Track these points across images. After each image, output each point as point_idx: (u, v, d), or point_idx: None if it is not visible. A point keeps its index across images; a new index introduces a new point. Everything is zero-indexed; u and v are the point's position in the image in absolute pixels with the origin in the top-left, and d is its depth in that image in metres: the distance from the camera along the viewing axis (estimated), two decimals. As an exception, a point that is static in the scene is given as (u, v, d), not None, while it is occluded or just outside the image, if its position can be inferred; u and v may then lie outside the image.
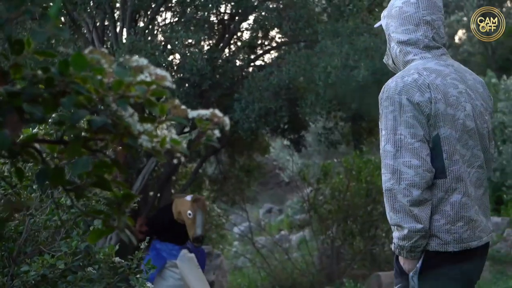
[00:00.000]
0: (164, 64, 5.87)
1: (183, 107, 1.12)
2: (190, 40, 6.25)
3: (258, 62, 7.55)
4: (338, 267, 8.94)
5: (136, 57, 1.06)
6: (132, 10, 6.55)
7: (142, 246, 2.84)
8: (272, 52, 7.75)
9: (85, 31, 6.78)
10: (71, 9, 6.30)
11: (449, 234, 2.38)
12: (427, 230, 2.34)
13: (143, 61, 1.06)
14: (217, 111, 1.16)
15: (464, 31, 19.64)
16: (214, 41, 7.19)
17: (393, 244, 2.44)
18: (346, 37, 6.05)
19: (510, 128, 11.41)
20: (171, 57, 6.33)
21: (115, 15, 6.79)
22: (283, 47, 7.53)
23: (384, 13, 2.70)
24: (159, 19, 7.13)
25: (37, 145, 1.11)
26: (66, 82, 1.02)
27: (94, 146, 1.11)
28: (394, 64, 2.67)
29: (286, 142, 8.82)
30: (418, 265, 2.40)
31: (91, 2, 6.20)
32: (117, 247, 2.73)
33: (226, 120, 1.17)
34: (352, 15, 6.21)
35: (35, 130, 1.84)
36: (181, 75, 6.23)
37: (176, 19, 6.76)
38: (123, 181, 1.19)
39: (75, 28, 6.57)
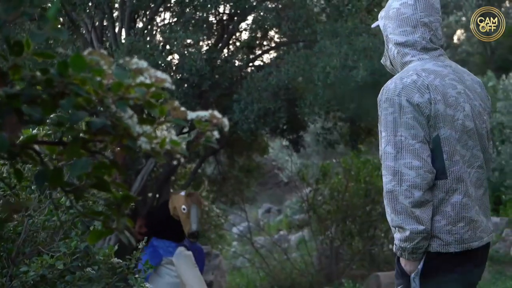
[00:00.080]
0: (163, 65, 5.87)
1: (183, 108, 1.12)
2: (189, 40, 6.25)
3: (257, 62, 7.55)
4: (337, 267, 8.94)
5: (135, 59, 1.06)
6: (131, 10, 6.55)
7: (140, 246, 2.83)
8: (271, 52, 7.75)
9: (84, 32, 6.78)
10: (70, 9, 6.30)
11: (450, 234, 2.38)
12: (428, 231, 2.35)
13: (143, 64, 1.06)
14: (216, 112, 1.16)
15: (463, 31, 19.65)
16: (212, 41, 7.19)
17: (394, 245, 2.44)
18: (345, 37, 6.05)
19: (508, 130, 11.41)
20: (169, 58, 6.32)
21: (114, 15, 6.79)
22: (282, 47, 7.52)
23: (382, 13, 2.69)
24: (158, 19, 7.13)
25: (36, 147, 1.10)
26: (65, 84, 1.02)
27: (93, 148, 1.11)
28: (392, 65, 2.67)
29: (285, 142, 8.81)
30: (420, 266, 2.40)
31: (90, 2, 6.19)
32: (116, 247, 2.73)
33: (225, 121, 1.17)
34: (351, 15, 6.21)
35: (35, 131, 1.84)
36: (180, 75, 6.23)
37: (175, 19, 6.76)
38: (122, 182, 1.19)
39: (74, 28, 6.57)
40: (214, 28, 7.32)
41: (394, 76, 2.51)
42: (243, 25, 7.37)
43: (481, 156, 2.52)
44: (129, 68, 1.06)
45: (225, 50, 7.19)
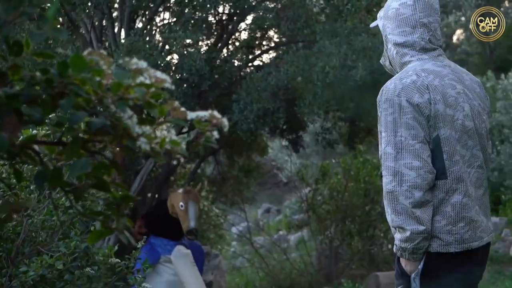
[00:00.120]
0: (162, 65, 5.87)
1: (183, 109, 1.12)
2: (188, 40, 6.24)
3: (256, 63, 7.55)
4: (337, 267, 8.94)
5: (135, 59, 1.06)
6: (130, 10, 6.54)
7: (139, 245, 2.84)
8: (270, 52, 7.75)
9: (83, 32, 6.78)
10: (69, 9, 6.29)
11: (450, 235, 2.38)
12: (429, 231, 2.35)
13: (143, 64, 1.06)
14: (215, 113, 1.16)
15: (462, 31, 19.64)
16: (212, 41, 7.19)
17: (394, 245, 2.44)
18: (344, 37, 6.05)
19: (507, 130, 11.41)
20: (169, 57, 6.32)
21: (113, 15, 6.79)
22: (281, 47, 7.53)
23: (381, 13, 2.69)
24: (157, 19, 7.13)
25: (35, 147, 1.10)
26: (64, 84, 1.02)
27: (92, 148, 1.11)
28: (391, 66, 2.67)
29: (284, 142, 8.81)
30: (420, 266, 2.40)
31: (89, 2, 6.19)
32: (116, 248, 2.73)
33: (225, 121, 1.17)
34: (350, 15, 6.21)
35: (34, 132, 1.84)
36: (179, 75, 6.23)
37: (175, 19, 6.76)
38: (121, 182, 1.19)
39: (73, 28, 6.56)
40: (214, 28, 7.32)
41: (394, 77, 2.51)
42: (242, 25, 7.37)
43: (481, 156, 2.52)
44: (129, 68, 1.06)
45: (225, 50, 7.19)
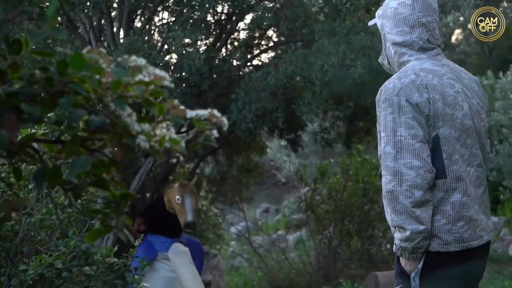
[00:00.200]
0: (161, 64, 5.87)
1: (182, 107, 1.12)
2: (187, 40, 6.25)
3: (255, 62, 7.55)
4: (335, 267, 8.94)
5: (134, 57, 1.06)
6: (129, 10, 6.54)
7: (136, 243, 2.84)
8: (269, 52, 7.75)
9: (81, 32, 6.77)
10: (68, 9, 6.29)
11: (450, 234, 2.38)
12: (429, 231, 2.35)
13: (142, 61, 1.06)
14: (215, 111, 1.16)
15: (460, 31, 19.65)
16: (211, 41, 7.19)
17: (394, 245, 2.44)
18: (343, 36, 6.05)
19: (506, 129, 11.41)
20: (168, 57, 6.32)
21: (112, 15, 6.78)
22: (280, 47, 7.53)
23: (379, 12, 2.68)
24: (156, 19, 7.13)
25: (35, 145, 1.11)
26: (64, 82, 1.02)
27: (92, 146, 1.11)
28: (390, 65, 2.67)
29: (283, 142, 8.81)
30: (420, 265, 2.40)
31: (88, 2, 6.18)
32: (116, 248, 2.73)
33: (224, 120, 1.17)
34: (349, 14, 6.21)
35: (33, 131, 1.84)
36: (178, 75, 6.23)
37: (173, 19, 6.76)
38: (121, 180, 1.19)
39: (72, 28, 6.56)
40: (212, 27, 7.32)
41: (392, 76, 2.51)
42: (241, 24, 7.37)
43: (480, 154, 2.52)
44: (128, 66, 1.06)
45: (223, 50, 7.20)
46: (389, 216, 2.38)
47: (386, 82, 2.46)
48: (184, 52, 6.15)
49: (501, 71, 13.17)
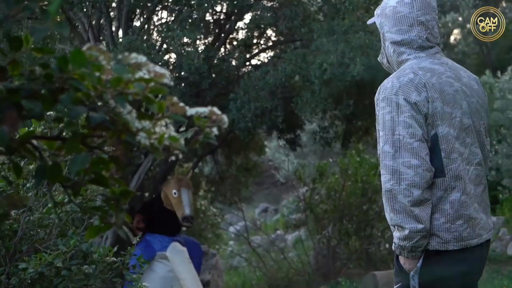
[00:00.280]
0: (160, 63, 5.86)
1: (181, 104, 1.12)
2: (186, 39, 6.24)
3: (254, 61, 7.55)
4: (334, 267, 8.95)
5: (134, 54, 1.06)
6: (128, 9, 6.54)
7: (135, 241, 2.84)
8: (268, 51, 7.75)
9: (80, 31, 6.77)
10: (67, 8, 6.29)
11: (449, 232, 2.38)
12: (428, 230, 2.34)
13: (142, 59, 1.06)
14: (215, 109, 1.16)
15: (459, 30, 19.65)
16: (210, 40, 7.19)
17: (393, 244, 2.44)
18: (342, 35, 6.06)
19: (504, 129, 11.42)
20: (167, 56, 6.32)
21: (111, 14, 6.78)
22: (279, 46, 7.53)
23: (378, 11, 2.68)
24: (155, 18, 7.12)
25: (34, 142, 1.11)
26: (64, 79, 1.02)
27: (92, 143, 1.11)
28: (389, 63, 2.67)
29: (281, 142, 8.81)
30: (419, 264, 2.40)
31: (87, 1, 6.18)
32: (115, 249, 2.73)
33: (224, 118, 1.17)
34: (348, 12, 6.22)
35: (31, 128, 1.84)
36: (177, 74, 6.23)
37: (172, 18, 6.76)
38: (120, 178, 1.19)
39: (71, 27, 6.56)
40: (211, 27, 7.32)
41: (391, 75, 2.51)
42: (240, 24, 7.37)
43: (479, 153, 2.52)
44: (128, 63, 1.06)
45: (222, 49, 7.20)
46: (388, 214, 2.38)
47: (385, 81, 2.46)
48: (183, 51, 6.15)
49: (500, 71, 13.17)
